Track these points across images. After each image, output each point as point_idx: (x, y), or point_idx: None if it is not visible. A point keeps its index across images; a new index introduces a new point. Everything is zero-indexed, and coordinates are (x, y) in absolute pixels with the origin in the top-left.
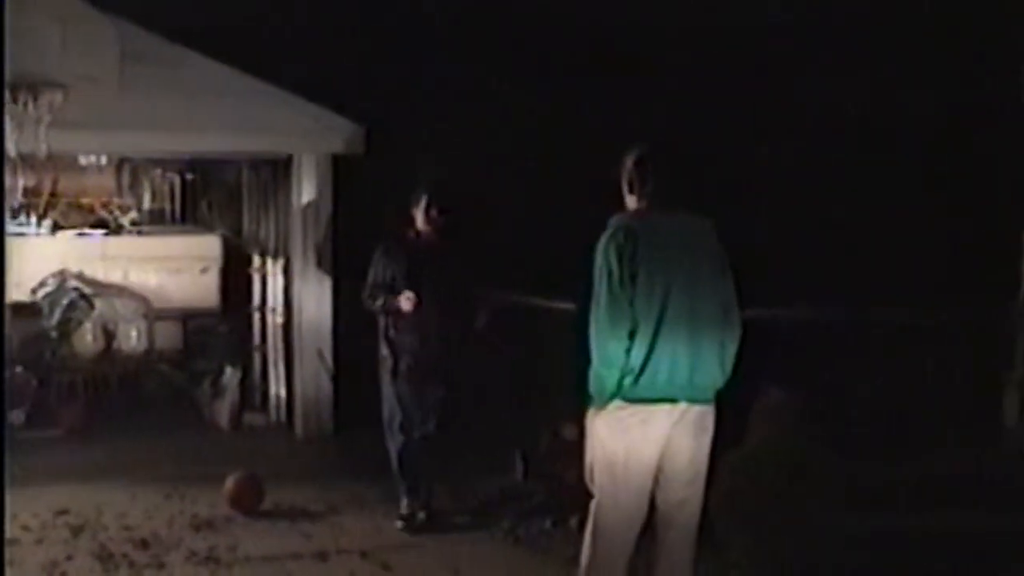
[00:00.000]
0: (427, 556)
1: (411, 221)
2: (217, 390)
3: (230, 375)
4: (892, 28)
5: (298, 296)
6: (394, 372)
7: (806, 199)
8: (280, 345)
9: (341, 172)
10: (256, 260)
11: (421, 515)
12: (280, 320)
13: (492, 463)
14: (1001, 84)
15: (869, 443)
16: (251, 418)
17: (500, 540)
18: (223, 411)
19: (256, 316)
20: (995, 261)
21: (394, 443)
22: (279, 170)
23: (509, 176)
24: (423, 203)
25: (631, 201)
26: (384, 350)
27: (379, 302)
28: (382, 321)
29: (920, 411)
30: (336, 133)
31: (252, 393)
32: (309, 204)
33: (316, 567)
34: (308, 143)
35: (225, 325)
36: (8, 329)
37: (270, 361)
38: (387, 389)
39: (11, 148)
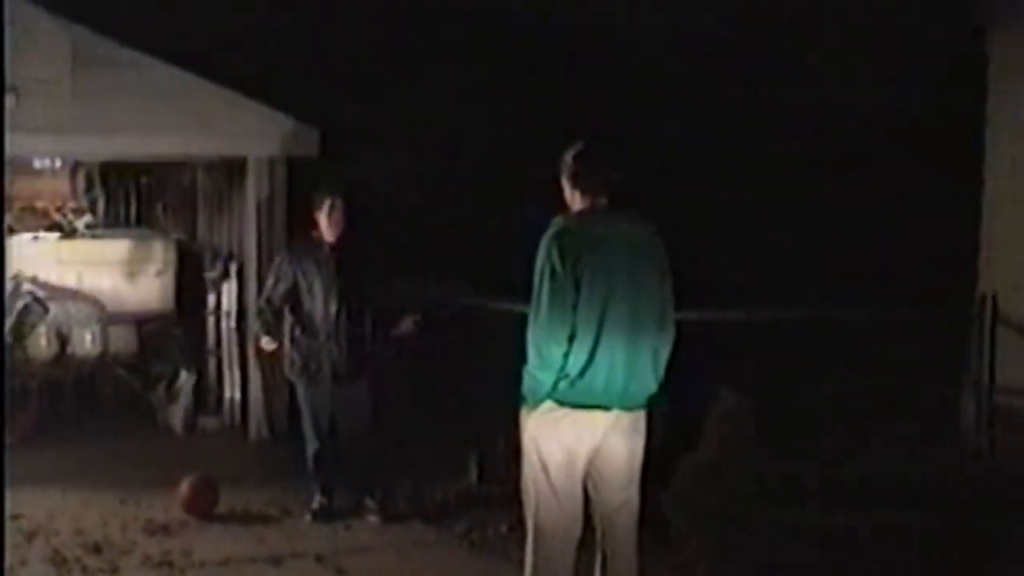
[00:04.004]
0: (382, 560)
1: (315, 225)
2: (172, 394)
3: (185, 379)
4: (855, 33)
5: (252, 300)
6: (302, 374)
7: (762, 200)
8: (234, 349)
9: (295, 175)
10: (210, 263)
11: (373, 518)
12: (234, 324)
13: (448, 467)
14: (960, 86)
15: (826, 444)
16: (205, 422)
17: (455, 544)
18: (177, 415)
19: (211, 320)
20: (952, 261)
21: (309, 445)
22: (234, 173)
23: (464, 177)
24: (325, 206)
25: (574, 197)
26: (292, 353)
27: (255, 327)
28: (287, 325)
29: (877, 412)
30: (290, 135)
31: (207, 397)
32: (262, 207)
33: (270, 571)
34: (262, 146)
35: (179, 329)
36: None
37: (224, 365)
38: (299, 391)
39: None
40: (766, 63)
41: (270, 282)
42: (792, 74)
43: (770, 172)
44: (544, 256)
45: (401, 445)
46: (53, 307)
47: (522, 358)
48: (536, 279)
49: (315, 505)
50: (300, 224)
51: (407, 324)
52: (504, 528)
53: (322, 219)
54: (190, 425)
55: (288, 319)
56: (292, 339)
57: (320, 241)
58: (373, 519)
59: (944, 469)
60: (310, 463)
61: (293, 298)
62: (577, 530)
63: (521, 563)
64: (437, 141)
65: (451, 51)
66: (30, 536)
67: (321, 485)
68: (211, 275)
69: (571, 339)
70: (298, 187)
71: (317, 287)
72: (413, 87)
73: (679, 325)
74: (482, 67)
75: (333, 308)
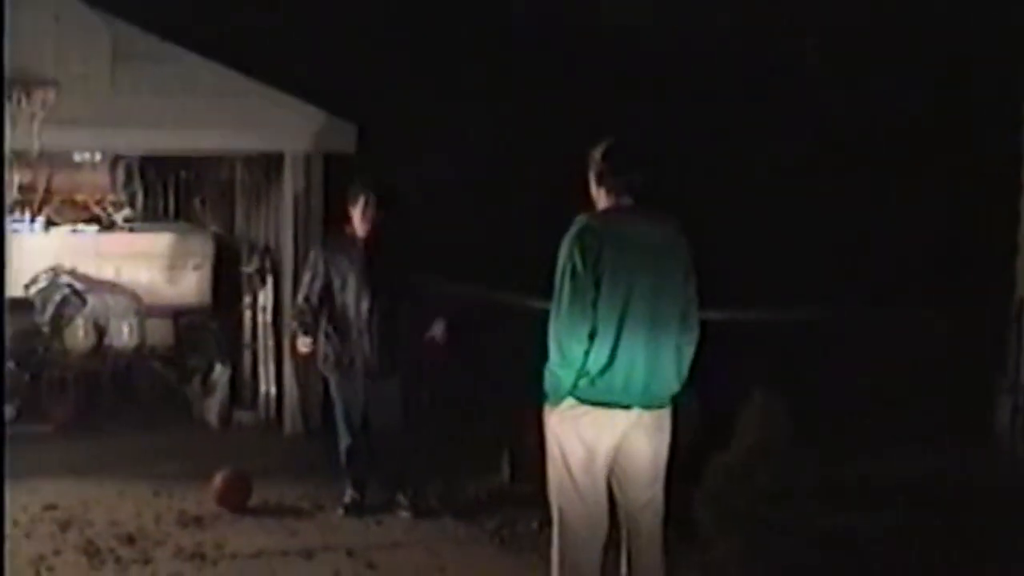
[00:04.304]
0: (413, 555)
1: (349, 220)
2: (207, 387)
3: (220, 372)
4: (883, 30)
5: (288, 294)
6: (335, 369)
7: (794, 200)
8: (270, 343)
9: (332, 170)
10: (247, 257)
11: (405, 514)
12: (270, 318)
13: (480, 464)
14: (994, 85)
15: (858, 445)
16: (240, 415)
17: (486, 541)
18: (213, 408)
19: (247, 314)
20: (989, 263)
21: (341, 440)
22: (271, 168)
23: (500, 174)
24: (360, 202)
25: (599, 195)
26: (326, 347)
27: (292, 326)
28: (323, 320)
29: (911, 413)
30: (327, 131)
31: (242, 390)
32: (299, 202)
33: (302, 564)
34: (299, 141)
35: (216, 322)
36: None
37: (260, 359)
38: (332, 386)
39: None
40: (794, 62)
41: (307, 279)
42: (830, 73)
43: (803, 169)
44: (566, 254)
45: (433, 441)
46: (91, 299)
47: (544, 355)
48: (558, 276)
49: (347, 500)
50: (336, 219)
51: (438, 328)
52: (535, 525)
53: (355, 214)
54: (225, 419)
55: (324, 315)
56: (326, 334)
57: (353, 236)
58: (404, 515)
59: (978, 471)
60: (342, 458)
61: (328, 294)
62: (602, 528)
63: (549, 560)
64: (473, 139)
65: (492, 49)
66: (64, 526)
67: (353, 480)
68: (248, 269)
69: (591, 337)
70: (335, 182)
71: (350, 282)
72: (452, 85)
73: (706, 324)
74: (521, 66)
75: (365, 303)
